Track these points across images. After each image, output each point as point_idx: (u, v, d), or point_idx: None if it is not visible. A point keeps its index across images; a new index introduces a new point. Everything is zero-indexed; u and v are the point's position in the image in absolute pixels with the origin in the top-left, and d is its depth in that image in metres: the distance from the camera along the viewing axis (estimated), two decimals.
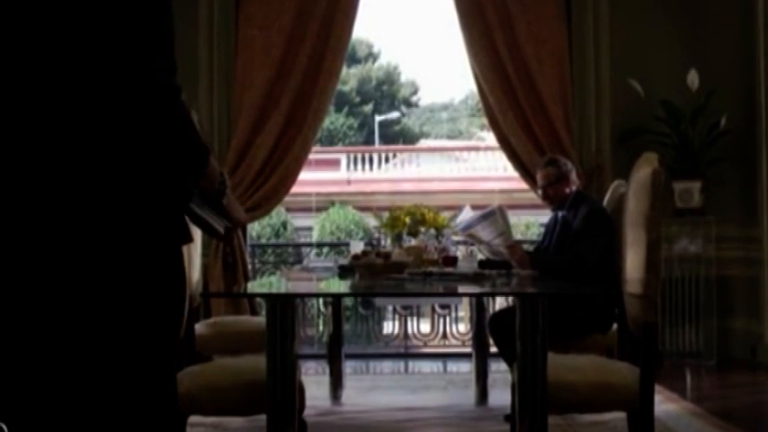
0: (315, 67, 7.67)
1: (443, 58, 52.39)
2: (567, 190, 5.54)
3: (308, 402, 5.80)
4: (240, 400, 3.61)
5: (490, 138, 31.98)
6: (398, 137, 36.56)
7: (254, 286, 5.31)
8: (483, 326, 6.04)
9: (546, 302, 3.43)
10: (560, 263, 5.24)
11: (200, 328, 5.36)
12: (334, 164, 25.45)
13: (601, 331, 5.18)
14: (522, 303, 3.50)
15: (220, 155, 7.68)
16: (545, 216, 20.41)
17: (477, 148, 27.44)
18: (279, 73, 7.66)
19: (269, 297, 3.62)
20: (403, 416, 5.65)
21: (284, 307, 3.45)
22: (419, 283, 4.36)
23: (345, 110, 36.66)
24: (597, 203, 5.50)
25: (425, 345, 8.63)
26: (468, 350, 7.84)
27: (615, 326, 5.16)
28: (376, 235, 5.67)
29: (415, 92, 41.78)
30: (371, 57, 40.43)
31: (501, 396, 5.90)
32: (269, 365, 3.47)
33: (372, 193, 22.24)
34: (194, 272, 5.30)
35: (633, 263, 3.62)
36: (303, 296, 4.40)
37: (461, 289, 4.44)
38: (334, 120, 35.60)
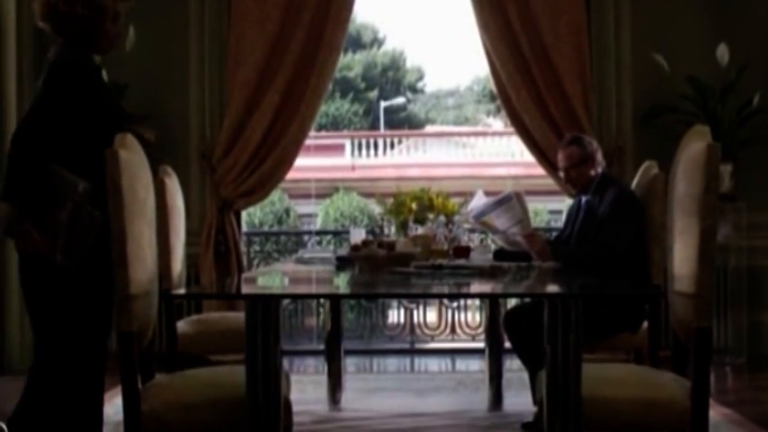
0: (313, 41, 7.16)
1: (449, 43, 51.80)
2: (592, 172, 4.98)
3: (305, 407, 5.32)
4: (215, 419, 3.02)
5: (496, 124, 31.71)
6: (404, 123, 36.19)
7: (243, 280, 4.75)
8: (497, 322, 5.47)
9: (580, 305, 2.87)
10: (585, 254, 4.69)
11: (183, 326, 4.84)
12: (339, 149, 24.95)
13: (630, 330, 4.66)
14: (551, 306, 2.93)
15: (212, 135, 7.19)
16: (555, 203, 19.88)
17: (484, 134, 26.92)
18: (274, 47, 7.15)
19: (246, 298, 3.04)
20: (408, 423, 5.11)
21: (267, 310, 2.89)
22: (427, 278, 3.79)
23: (350, 96, 36.34)
24: (625, 187, 4.95)
25: (432, 339, 8.06)
26: (479, 345, 7.36)
27: (645, 324, 4.66)
28: (380, 222, 5.09)
29: (420, 78, 41.43)
30: (377, 42, 40.11)
31: (516, 399, 5.41)
32: (249, 379, 2.91)
33: (377, 179, 21.72)
34: (176, 263, 4.78)
35: (682, 256, 3.05)
36: (285, 297, 3.82)
37: (477, 286, 3.83)
38: (339, 106, 35.36)
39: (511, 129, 7.40)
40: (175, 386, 3.14)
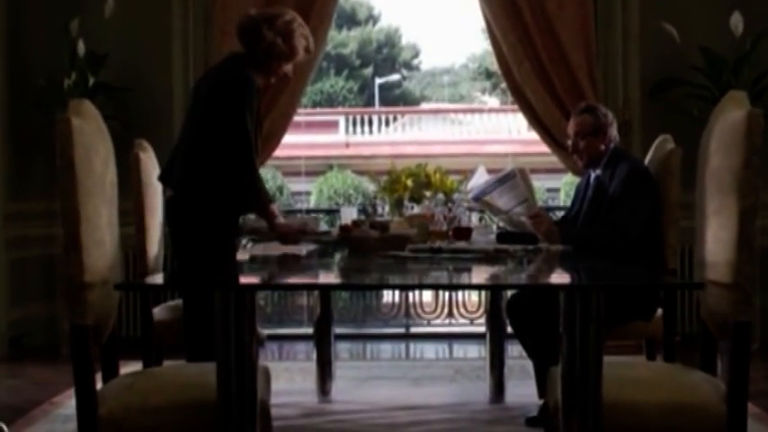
0: (303, 9, 6.71)
1: (445, 21, 51.47)
2: (602, 146, 4.59)
3: (292, 398, 4.98)
4: (181, 425, 2.64)
5: (492, 102, 31.40)
6: (399, 101, 36.03)
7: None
8: (498, 306, 5.08)
9: (601, 298, 2.49)
10: (596, 235, 4.32)
11: (159, 312, 4.47)
12: (332, 126, 24.57)
13: (643, 318, 4.30)
14: (568, 296, 2.54)
15: None
16: (552, 181, 19.46)
17: (481, 110, 26.55)
18: None
19: (215, 288, 2.65)
20: (403, 418, 4.75)
21: (241, 301, 2.50)
22: (424, 263, 3.41)
23: (345, 73, 36.19)
24: (639, 162, 4.59)
25: (429, 323, 7.69)
26: (477, 329, 7.02)
27: (660, 311, 4.31)
28: (372, 201, 4.72)
29: (416, 55, 41.37)
30: (372, 19, 39.98)
31: (519, 390, 5.05)
32: (220, 380, 2.53)
33: (372, 157, 21.36)
34: (152, 245, 4.43)
35: (718, 240, 2.68)
36: (261, 288, 3.37)
37: (480, 273, 3.39)
38: (333, 83, 35.24)
39: (508, 106, 7.06)
40: (137, 387, 2.75)
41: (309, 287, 4.33)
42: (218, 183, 4.13)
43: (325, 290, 4.58)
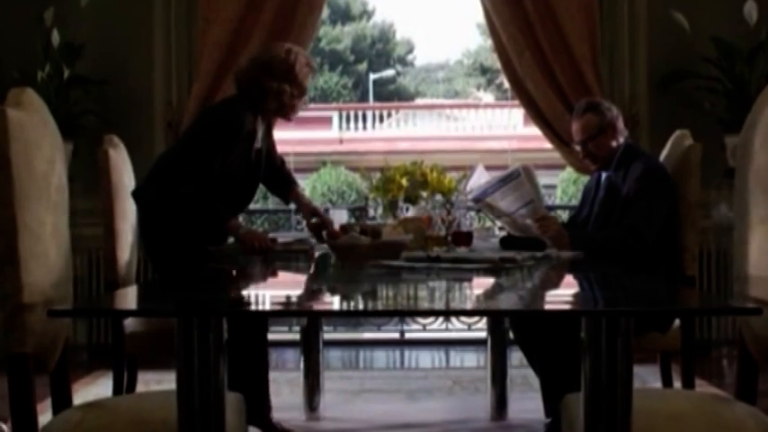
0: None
1: (439, 16, 51.39)
2: (614, 143, 4.24)
3: (278, 415, 4.60)
4: None
5: (487, 98, 31.23)
6: (393, 96, 36.11)
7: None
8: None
9: (631, 322, 2.12)
10: (610, 239, 3.96)
11: (131, 324, 4.07)
12: (326, 122, 24.30)
13: (659, 329, 3.93)
14: (591, 323, 2.15)
15: (180, 103, 6.49)
16: (547, 177, 19.25)
17: (476, 106, 26.26)
18: (249, 5, 6.47)
19: (177, 314, 2.25)
20: None
21: (205, 326, 2.12)
22: (421, 273, 3.04)
23: (339, 69, 36.25)
24: (654, 160, 4.21)
25: (425, 328, 7.31)
26: (474, 335, 6.66)
27: (677, 323, 3.93)
28: (363, 203, 4.36)
29: (410, 50, 41.57)
30: (366, 14, 40.15)
31: (522, 404, 4.71)
32: (182, 416, 2.14)
33: (366, 153, 21.05)
34: (123, 251, 4.07)
35: (765, 251, 2.30)
36: (227, 314, 2.95)
37: (484, 287, 2.96)
38: (327, 78, 35.26)
39: (504, 102, 6.74)
40: (87, 424, 2.34)
41: (284, 313, 3.95)
42: (173, 209, 4.08)
43: (302, 316, 4.26)
